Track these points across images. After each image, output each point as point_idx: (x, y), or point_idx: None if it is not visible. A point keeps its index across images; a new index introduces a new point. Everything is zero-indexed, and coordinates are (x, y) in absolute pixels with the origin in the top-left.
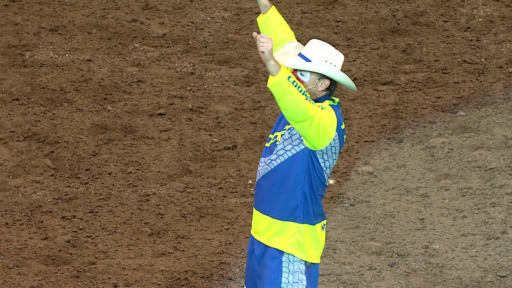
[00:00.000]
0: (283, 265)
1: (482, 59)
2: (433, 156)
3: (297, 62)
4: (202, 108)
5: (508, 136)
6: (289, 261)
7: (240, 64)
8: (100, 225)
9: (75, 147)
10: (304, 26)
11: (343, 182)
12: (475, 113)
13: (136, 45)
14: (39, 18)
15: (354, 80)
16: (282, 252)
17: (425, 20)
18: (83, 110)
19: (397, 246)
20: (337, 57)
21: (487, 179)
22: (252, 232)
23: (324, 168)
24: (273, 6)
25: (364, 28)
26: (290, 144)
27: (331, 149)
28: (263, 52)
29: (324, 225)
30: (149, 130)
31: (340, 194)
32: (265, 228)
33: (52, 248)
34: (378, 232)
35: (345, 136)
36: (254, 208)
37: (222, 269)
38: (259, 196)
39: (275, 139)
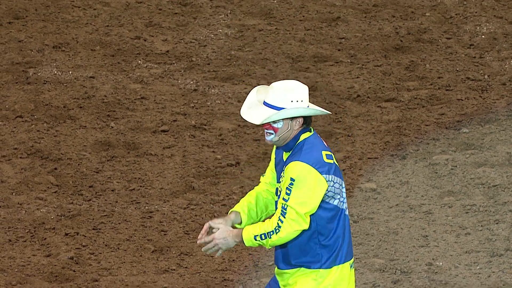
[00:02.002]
0: None
1: (486, 76)
2: (436, 173)
3: (267, 115)
4: (205, 125)
5: (511, 153)
6: None
7: (243, 81)
8: (103, 242)
9: (78, 164)
10: (308, 43)
11: (347, 199)
12: (478, 130)
13: (139, 62)
14: (42, 35)
15: (357, 97)
16: None
17: (428, 37)
18: (86, 127)
19: (401, 263)
20: (301, 92)
21: (490, 196)
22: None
23: (328, 199)
24: (238, 211)
25: (367, 45)
26: None
27: (327, 192)
28: (220, 248)
29: (352, 264)
30: (152, 147)
31: None
32: (290, 280)
33: (55, 265)
34: (381, 249)
35: (333, 161)
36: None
37: (225, 286)
38: (279, 256)
39: (277, 196)
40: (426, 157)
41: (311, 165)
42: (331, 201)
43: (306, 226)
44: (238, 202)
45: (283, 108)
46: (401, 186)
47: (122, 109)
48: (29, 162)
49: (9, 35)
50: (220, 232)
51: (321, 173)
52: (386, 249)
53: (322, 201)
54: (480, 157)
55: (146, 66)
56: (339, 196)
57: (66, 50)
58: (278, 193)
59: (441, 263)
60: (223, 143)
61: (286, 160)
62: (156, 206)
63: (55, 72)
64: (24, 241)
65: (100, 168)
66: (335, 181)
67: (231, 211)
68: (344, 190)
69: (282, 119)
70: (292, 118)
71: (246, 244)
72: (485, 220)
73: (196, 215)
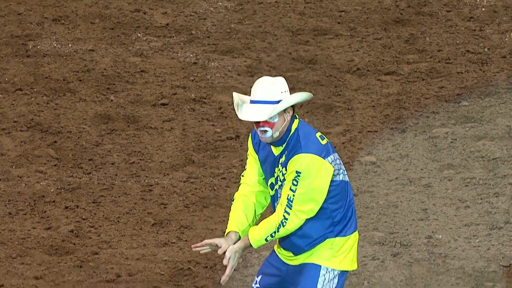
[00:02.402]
0: (319, 278)
1: (486, 49)
2: (436, 146)
3: (269, 110)
4: (205, 98)
5: (511, 126)
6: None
7: (243, 54)
8: (103, 215)
9: (78, 137)
10: (307, 16)
11: (347, 172)
12: (478, 103)
13: (139, 35)
14: (42, 8)
15: (357, 70)
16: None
17: (429, 10)
18: (86, 100)
19: (400, 236)
20: (284, 83)
21: (490, 169)
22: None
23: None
24: (236, 231)
25: (367, 18)
26: None
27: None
28: (229, 263)
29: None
30: (152, 120)
31: None
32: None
33: (55, 238)
34: (381, 222)
35: (326, 140)
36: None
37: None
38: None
39: (274, 190)
40: (426, 130)
41: (315, 154)
42: (336, 178)
43: (312, 214)
44: (239, 172)
45: (280, 100)
46: (400, 159)
47: (121, 82)
48: (29, 135)
49: (9, 8)
50: (233, 258)
51: (324, 158)
52: (386, 222)
53: (330, 182)
54: (480, 130)
55: (145, 39)
56: (341, 171)
57: (66, 23)
58: (275, 187)
59: (440, 236)
60: (222, 117)
61: (280, 153)
62: (156, 180)
63: (55, 45)
64: (24, 214)
65: (99, 141)
66: (335, 159)
67: (229, 231)
68: (341, 161)
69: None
70: (284, 110)
71: (256, 247)
72: (485, 193)
73: (196, 189)
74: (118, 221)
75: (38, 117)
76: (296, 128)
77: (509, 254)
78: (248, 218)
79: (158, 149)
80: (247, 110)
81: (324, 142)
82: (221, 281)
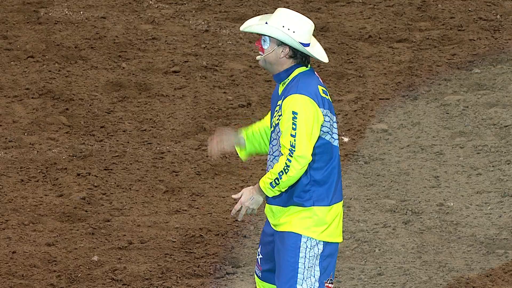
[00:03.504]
0: (300, 247)
1: (498, 16)
2: (448, 113)
3: (256, 27)
4: (216, 66)
5: None
6: (306, 243)
7: None
8: (115, 183)
9: (89, 105)
10: None
11: (358, 140)
12: (490, 71)
13: (150, 2)
14: None
15: (369, 37)
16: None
17: None
18: (97, 67)
19: (412, 204)
20: (298, 24)
21: (502, 137)
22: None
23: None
24: (243, 133)
25: None
26: None
27: (322, 127)
28: (253, 209)
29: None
30: (163, 88)
31: (354, 152)
32: (281, 219)
33: (67, 205)
34: (392, 190)
35: (328, 97)
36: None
37: (237, 226)
38: None
39: (272, 127)
40: (438, 98)
41: (310, 97)
42: (323, 136)
43: (311, 158)
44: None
45: (275, 29)
46: (412, 127)
47: (133, 50)
48: (41, 103)
49: None
50: (245, 195)
51: (317, 104)
52: (397, 189)
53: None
54: (491, 97)
55: (157, 7)
56: (332, 133)
57: None
58: (273, 127)
59: (452, 204)
60: (234, 84)
61: (281, 94)
62: (168, 147)
63: (66, 12)
64: (36, 181)
65: (111, 109)
66: (329, 116)
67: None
68: (335, 126)
69: (265, 35)
70: (279, 44)
71: (268, 194)
72: (497, 161)
73: (207, 156)
74: (130, 189)
75: (50, 85)
76: (300, 73)
77: None
78: (257, 134)
79: (170, 116)
80: (249, 22)
81: (323, 95)
82: (231, 214)
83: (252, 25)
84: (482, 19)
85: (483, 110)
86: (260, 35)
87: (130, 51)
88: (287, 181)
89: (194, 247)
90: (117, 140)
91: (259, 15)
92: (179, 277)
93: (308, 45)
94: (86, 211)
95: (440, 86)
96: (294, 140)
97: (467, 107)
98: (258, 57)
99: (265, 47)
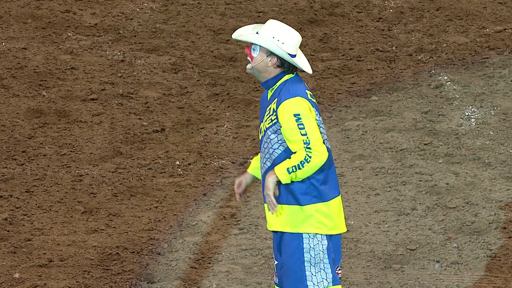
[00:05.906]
0: (304, 248)
1: (393, 48)
2: (348, 138)
3: (247, 36)
4: (132, 94)
5: (417, 119)
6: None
7: (168, 52)
8: (36, 204)
9: (11, 130)
10: (228, 16)
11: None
12: (387, 98)
13: (69, 34)
14: None
15: None
16: (299, 234)
17: (341, 11)
18: (19, 95)
19: None
20: (287, 36)
21: (398, 159)
22: (268, 227)
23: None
24: (250, 171)
25: (283, 18)
26: (281, 134)
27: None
28: (268, 193)
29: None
30: (82, 115)
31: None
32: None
33: None
34: None
35: (314, 100)
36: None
37: (152, 244)
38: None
39: (261, 132)
40: (339, 123)
41: (301, 96)
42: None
43: (327, 154)
44: (164, 163)
45: (265, 39)
46: None
47: (53, 79)
48: None
49: None
50: (267, 184)
51: (309, 102)
52: None
53: None
54: (388, 123)
55: (75, 38)
56: (321, 132)
57: (0, 23)
58: (264, 131)
59: (352, 222)
60: (149, 111)
61: (270, 99)
62: (86, 170)
63: None
64: None
65: (32, 134)
66: (318, 116)
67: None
68: (323, 127)
69: (255, 44)
70: (268, 54)
71: (281, 179)
72: (393, 182)
73: (124, 178)
74: (50, 209)
75: None
76: (287, 79)
77: (415, 238)
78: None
79: (88, 141)
80: (240, 30)
81: (310, 98)
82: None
83: (244, 34)
84: (379, 50)
85: (380, 135)
86: (251, 43)
87: (50, 80)
88: (307, 171)
89: (111, 264)
90: (38, 164)
91: (172, 46)
92: None
93: (295, 56)
94: (8, 231)
95: (341, 113)
96: (307, 138)
97: (366, 132)
98: (248, 66)
99: (254, 55)
